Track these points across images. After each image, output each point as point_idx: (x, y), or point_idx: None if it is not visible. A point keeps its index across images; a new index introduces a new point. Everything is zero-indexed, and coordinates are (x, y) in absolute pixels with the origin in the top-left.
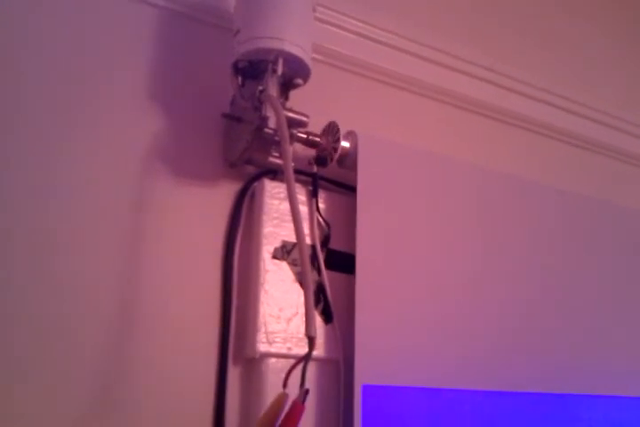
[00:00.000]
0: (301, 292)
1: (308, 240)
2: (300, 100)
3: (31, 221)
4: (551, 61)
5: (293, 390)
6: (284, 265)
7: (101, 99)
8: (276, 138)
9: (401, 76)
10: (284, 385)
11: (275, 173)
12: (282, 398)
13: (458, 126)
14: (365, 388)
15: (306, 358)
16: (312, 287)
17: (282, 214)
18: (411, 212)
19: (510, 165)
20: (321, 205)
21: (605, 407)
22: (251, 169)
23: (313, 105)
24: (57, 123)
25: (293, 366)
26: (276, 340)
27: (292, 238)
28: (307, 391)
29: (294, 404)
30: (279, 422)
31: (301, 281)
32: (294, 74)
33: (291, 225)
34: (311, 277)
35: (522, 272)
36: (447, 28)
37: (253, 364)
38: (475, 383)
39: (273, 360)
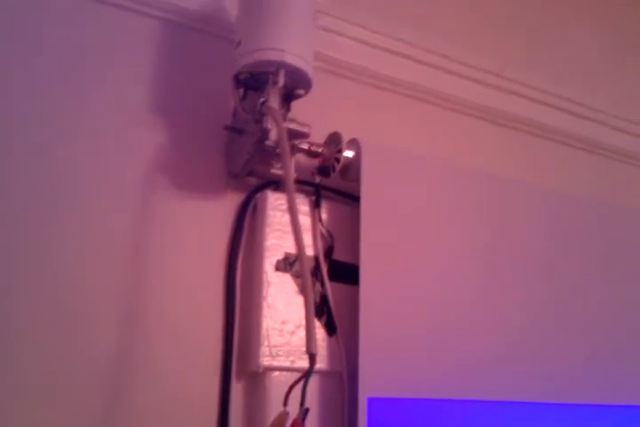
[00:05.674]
0: None
1: (310, 251)
2: (302, 108)
3: (32, 233)
4: (561, 65)
5: (295, 407)
6: (286, 277)
7: (102, 111)
8: (278, 150)
9: (404, 82)
10: (285, 403)
11: (277, 185)
12: (282, 417)
13: (463, 133)
14: (370, 400)
15: (306, 376)
16: (313, 302)
17: (284, 226)
18: (415, 221)
19: (517, 171)
20: (324, 216)
21: (612, 417)
22: (253, 180)
23: (316, 113)
24: (58, 135)
25: (294, 384)
26: (279, 353)
27: (295, 250)
28: (307, 411)
29: (294, 423)
30: None
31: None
32: (296, 84)
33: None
34: (312, 291)
35: (528, 282)
36: (451, 33)
37: (257, 378)
38: (481, 394)
39: (276, 374)
